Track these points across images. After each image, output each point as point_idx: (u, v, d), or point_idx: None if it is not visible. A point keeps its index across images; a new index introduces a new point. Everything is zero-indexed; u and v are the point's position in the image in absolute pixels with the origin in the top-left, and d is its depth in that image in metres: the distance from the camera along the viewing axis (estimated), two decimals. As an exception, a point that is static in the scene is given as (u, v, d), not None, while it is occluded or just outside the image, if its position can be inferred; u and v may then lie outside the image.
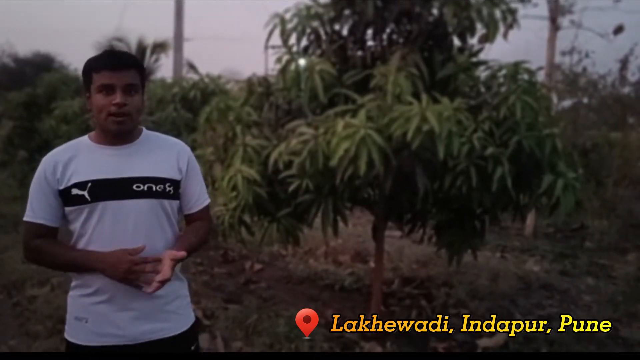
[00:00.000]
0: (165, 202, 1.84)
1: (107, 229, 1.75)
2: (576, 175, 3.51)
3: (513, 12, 3.71)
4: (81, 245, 1.78)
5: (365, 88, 3.59)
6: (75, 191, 1.73)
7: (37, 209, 1.77)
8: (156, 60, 17.14)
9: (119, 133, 1.78)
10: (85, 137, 1.84)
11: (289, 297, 5.15)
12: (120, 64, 1.74)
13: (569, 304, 5.21)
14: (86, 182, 1.74)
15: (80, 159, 1.77)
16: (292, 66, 3.87)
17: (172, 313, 1.87)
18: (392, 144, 3.15)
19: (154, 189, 1.80)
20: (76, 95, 8.59)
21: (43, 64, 14.14)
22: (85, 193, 1.73)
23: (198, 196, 1.96)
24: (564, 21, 8.90)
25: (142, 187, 1.78)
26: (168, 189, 1.83)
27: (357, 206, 4.50)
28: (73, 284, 1.84)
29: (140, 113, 1.82)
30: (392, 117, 3.15)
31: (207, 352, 3.94)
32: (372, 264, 5.71)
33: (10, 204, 8.20)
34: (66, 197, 1.75)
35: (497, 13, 3.63)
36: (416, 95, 3.27)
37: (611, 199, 8.63)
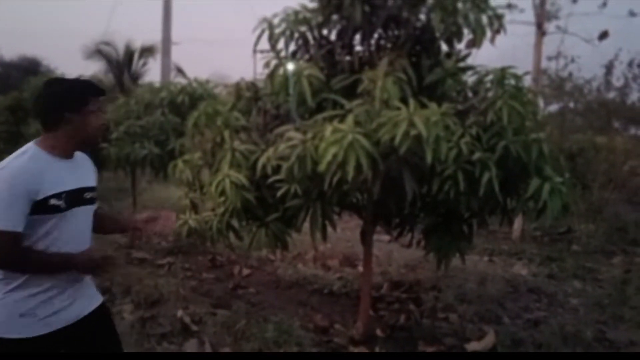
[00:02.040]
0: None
1: (69, 232, 2.05)
2: (563, 180, 3.53)
3: (500, 17, 3.74)
4: (41, 246, 1.99)
5: (353, 93, 3.59)
6: (53, 201, 1.97)
7: (15, 218, 1.90)
8: (144, 64, 17.07)
9: None
10: (37, 149, 2.02)
11: (277, 302, 5.14)
12: (105, 92, 2.18)
13: (557, 307, 5.24)
14: (61, 193, 2.00)
15: (48, 171, 1.98)
16: (280, 71, 3.87)
17: (92, 289, 2.29)
18: (380, 148, 3.16)
19: (94, 196, 2.22)
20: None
21: (29, 68, 14.00)
22: (62, 202, 2.00)
23: None
24: (550, 26, 8.99)
25: (89, 194, 2.17)
26: (96, 195, 2.26)
27: (346, 211, 4.50)
28: (9, 287, 1.99)
29: None
30: (380, 122, 3.16)
31: (196, 353, 3.94)
32: (360, 268, 5.70)
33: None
34: (41, 206, 1.94)
35: (484, 18, 3.65)
36: (404, 100, 3.28)
37: (597, 203, 8.71)
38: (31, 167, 1.94)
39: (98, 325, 2.26)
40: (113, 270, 2.20)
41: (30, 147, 2.03)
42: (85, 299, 2.20)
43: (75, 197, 2.06)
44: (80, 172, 2.14)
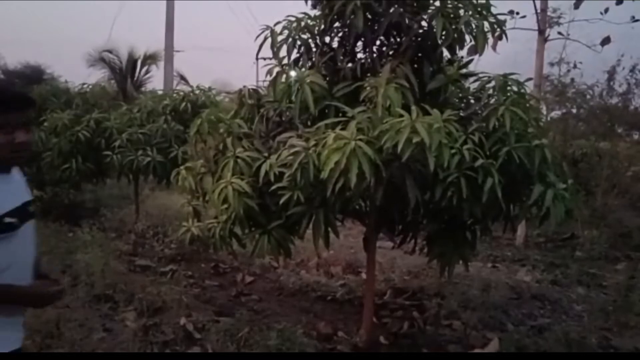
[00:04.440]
0: None
1: (26, 249, 1.91)
2: (566, 186, 3.52)
3: (501, 24, 3.75)
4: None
5: (356, 100, 3.60)
6: (8, 219, 1.78)
7: None
8: (147, 72, 17.17)
9: None
10: None
11: (280, 309, 5.13)
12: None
13: (561, 314, 5.22)
14: (13, 210, 1.81)
15: None
16: (283, 78, 3.89)
17: None
18: (383, 155, 3.16)
19: (34, 210, 1.99)
20: (66, 107, 8.54)
21: (33, 76, 14.03)
22: (15, 220, 1.81)
23: None
24: (552, 32, 8.99)
25: (30, 208, 1.96)
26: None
27: (349, 217, 4.49)
28: None
29: None
30: (382, 129, 3.16)
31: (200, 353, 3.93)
32: (364, 275, 5.69)
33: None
34: None
35: (486, 25, 3.66)
36: (406, 107, 3.28)
37: (601, 209, 8.68)
38: None
39: None
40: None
41: None
42: None
43: (23, 212, 1.89)
44: (15, 185, 1.93)
